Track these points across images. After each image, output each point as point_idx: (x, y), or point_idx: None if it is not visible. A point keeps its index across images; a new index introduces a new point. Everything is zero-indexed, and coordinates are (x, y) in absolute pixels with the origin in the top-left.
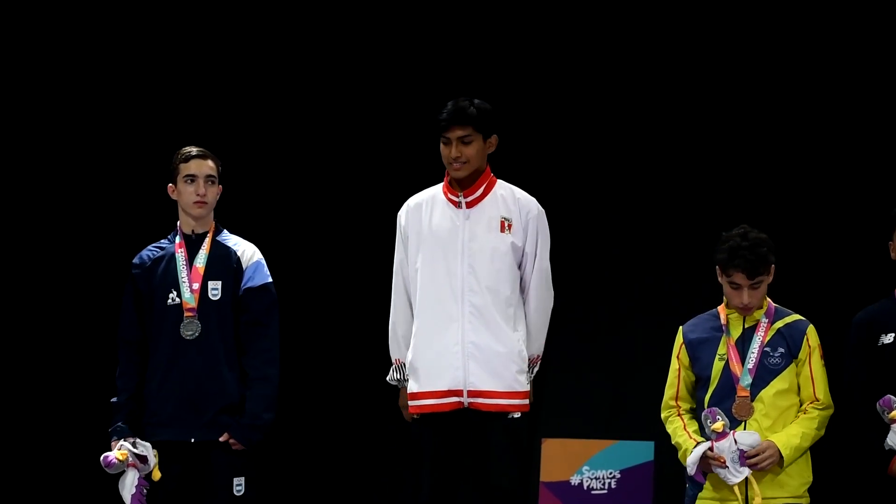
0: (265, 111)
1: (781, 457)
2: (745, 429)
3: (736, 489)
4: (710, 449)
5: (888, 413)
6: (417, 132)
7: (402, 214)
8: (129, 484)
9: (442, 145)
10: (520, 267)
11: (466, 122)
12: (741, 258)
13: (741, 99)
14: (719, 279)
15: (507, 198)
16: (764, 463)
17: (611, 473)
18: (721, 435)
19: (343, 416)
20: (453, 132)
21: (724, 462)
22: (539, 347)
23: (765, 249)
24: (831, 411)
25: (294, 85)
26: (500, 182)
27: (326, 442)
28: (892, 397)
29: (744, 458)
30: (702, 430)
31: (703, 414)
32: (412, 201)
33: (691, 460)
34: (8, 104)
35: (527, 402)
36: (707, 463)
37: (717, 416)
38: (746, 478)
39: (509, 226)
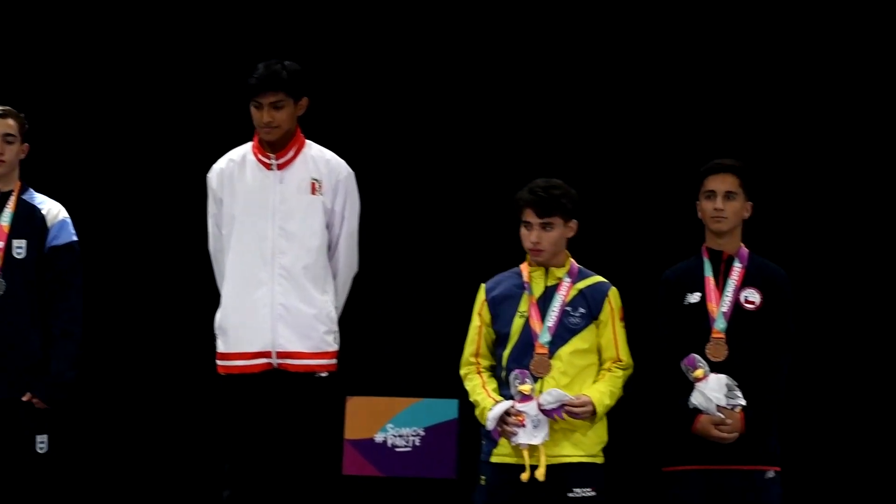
0: (70, 67)
1: (594, 413)
2: (542, 387)
3: (525, 453)
4: (513, 407)
5: (692, 372)
6: (225, 92)
7: (213, 177)
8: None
9: (253, 109)
10: (328, 228)
11: (278, 88)
12: (533, 194)
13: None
14: (520, 229)
15: (318, 160)
16: (582, 415)
17: (415, 431)
18: (526, 397)
19: (149, 375)
20: (265, 97)
21: (523, 422)
22: (340, 308)
23: (559, 192)
24: (631, 371)
25: (104, 39)
26: (309, 143)
27: (132, 400)
28: (697, 356)
29: (549, 415)
30: (501, 389)
31: (512, 373)
32: (221, 163)
33: (492, 415)
34: None
35: (334, 361)
36: (504, 420)
37: (526, 379)
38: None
39: (320, 187)
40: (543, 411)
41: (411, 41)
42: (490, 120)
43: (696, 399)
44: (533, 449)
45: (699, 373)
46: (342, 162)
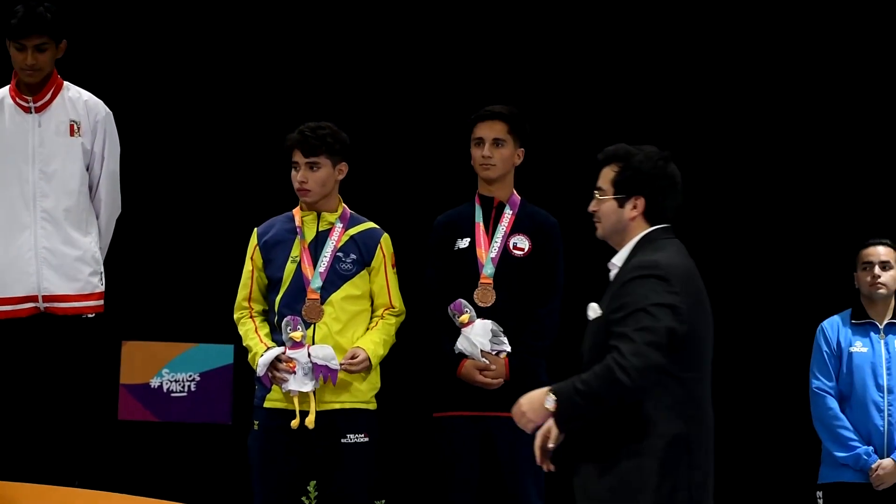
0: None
1: (370, 364)
2: (314, 332)
3: (295, 400)
4: (284, 354)
5: (458, 317)
6: None
7: None
8: None
9: (14, 51)
10: (89, 170)
11: (43, 31)
12: (300, 134)
13: None
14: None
15: (76, 101)
16: (358, 368)
17: (190, 376)
18: (297, 344)
19: None
20: (30, 40)
21: (294, 369)
22: (104, 249)
23: (326, 132)
24: (404, 317)
25: None
26: (67, 85)
27: None
28: (464, 302)
29: (317, 372)
30: (274, 334)
31: (284, 319)
32: None
33: (263, 361)
34: None
35: (101, 303)
36: (275, 367)
37: (298, 326)
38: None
39: (78, 128)
40: (314, 363)
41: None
42: (271, 54)
43: (461, 344)
44: (304, 396)
45: (465, 318)
46: (100, 102)
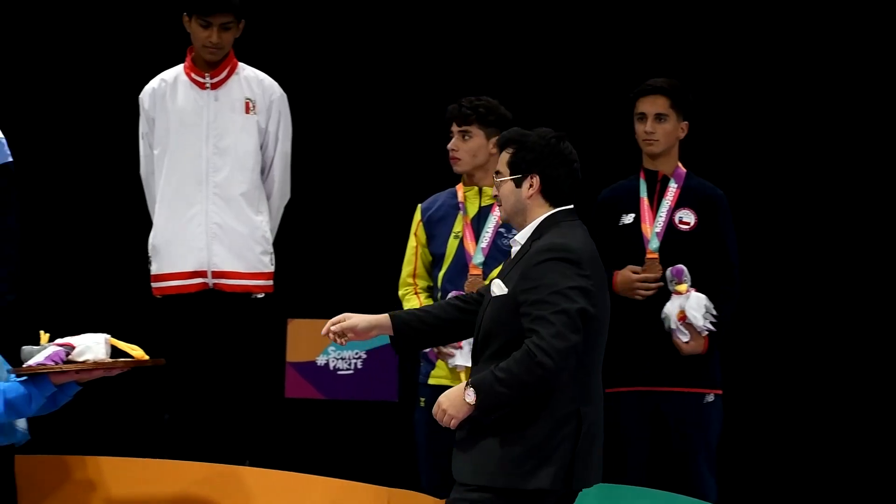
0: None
1: None
2: None
3: (461, 375)
4: None
5: (676, 284)
6: (156, 13)
7: (145, 97)
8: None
9: (197, 27)
10: (262, 150)
11: (229, 9)
12: (457, 103)
13: None
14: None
15: (252, 80)
16: None
17: (356, 354)
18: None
19: (83, 298)
20: (216, 17)
21: (460, 345)
22: (274, 231)
23: (481, 103)
24: None
25: None
26: (242, 65)
27: (66, 324)
28: (685, 269)
29: None
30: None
31: (449, 295)
32: (154, 83)
33: None
34: None
35: (270, 283)
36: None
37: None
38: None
39: (254, 106)
40: None
41: None
42: (423, 39)
43: (668, 309)
44: (469, 371)
45: (683, 287)
46: (275, 83)
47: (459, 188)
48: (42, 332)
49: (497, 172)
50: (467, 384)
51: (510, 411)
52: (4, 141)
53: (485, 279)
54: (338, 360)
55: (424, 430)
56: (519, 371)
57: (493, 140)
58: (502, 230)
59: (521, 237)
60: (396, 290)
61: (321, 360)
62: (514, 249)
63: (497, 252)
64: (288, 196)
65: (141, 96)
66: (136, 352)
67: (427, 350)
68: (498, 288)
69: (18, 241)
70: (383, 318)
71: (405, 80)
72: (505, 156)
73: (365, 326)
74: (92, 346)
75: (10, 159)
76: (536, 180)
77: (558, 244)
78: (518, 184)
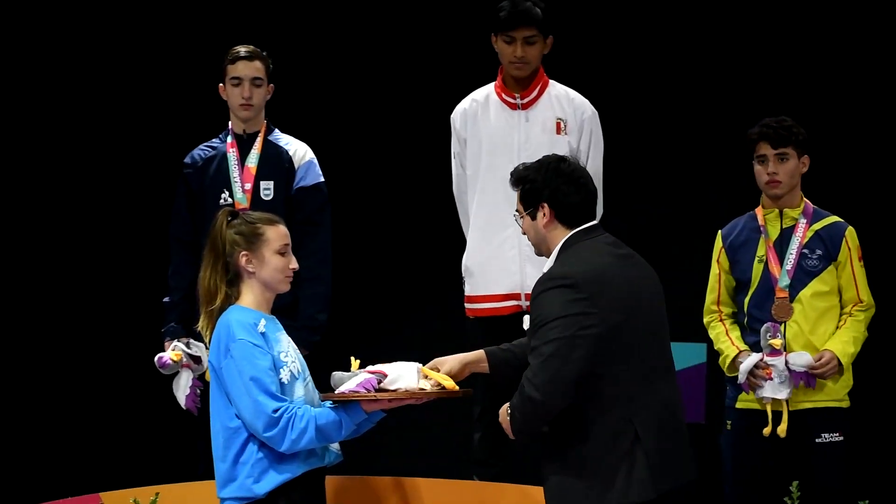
0: (319, 12)
1: (841, 365)
2: (785, 331)
3: (768, 407)
4: (762, 360)
5: (770, 338)
6: (467, 31)
7: (457, 117)
8: (183, 385)
9: (502, 44)
10: None
11: (532, 23)
12: (765, 126)
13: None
14: (754, 167)
15: (562, 98)
16: (828, 374)
17: None
18: (775, 352)
19: (395, 314)
20: (519, 31)
21: (771, 375)
22: None
23: (789, 123)
24: (874, 311)
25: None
26: (553, 82)
27: (376, 340)
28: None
29: (796, 379)
30: (744, 337)
31: (764, 326)
32: (465, 103)
33: (744, 368)
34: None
35: None
36: (752, 373)
37: (778, 334)
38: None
39: (565, 126)
40: (791, 370)
41: None
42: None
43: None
44: (777, 403)
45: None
46: (586, 101)
47: (759, 211)
48: (353, 358)
49: (516, 214)
50: (509, 402)
51: (565, 442)
52: (316, 161)
53: (791, 301)
54: None
55: (731, 454)
56: (518, 403)
57: (803, 159)
58: (805, 251)
59: (547, 266)
60: (702, 311)
61: None
62: None
63: (802, 273)
64: (601, 213)
65: (452, 116)
66: (448, 382)
67: (742, 381)
68: (525, 324)
69: (330, 261)
70: (478, 354)
71: (700, 97)
72: (517, 196)
73: (458, 368)
74: (404, 375)
75: (322, 179)
76: (546, 208)
77: (555, 272)
78: (533, 216)
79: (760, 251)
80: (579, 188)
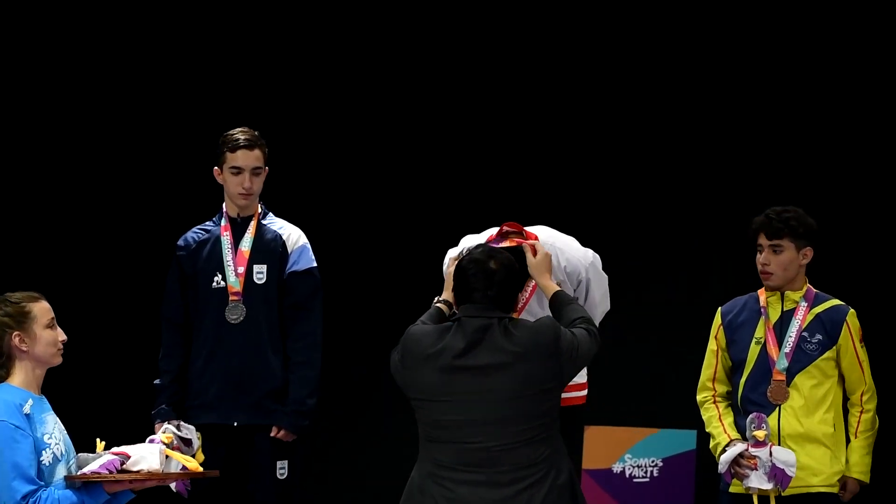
0: (309, 94)
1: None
2: (779, 414)
3: (754, 498)
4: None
5: (755, 429)
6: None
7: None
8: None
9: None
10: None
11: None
12: (764, 216)
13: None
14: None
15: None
16: (848, 499)
17: (653, 461)
18: (760, 443)
19: (385, 402)
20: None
21: (756, 466)
22: None
23: (789, 215)
24: (876, 396)
25: (342, 66)
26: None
27: (369, 429)
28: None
29: (773, 472)
30: (737, 424)
31: (749, 417)
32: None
33: (725, 459)
34: (48, 81)
35: (584, 393)
36: (737, 462)
37: (763, 425)
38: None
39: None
40: (774, 465)
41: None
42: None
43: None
44: (764, 493)
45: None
46: (580, 262)
47: (761, 293)
48: (98, 440)
49: None
50: None
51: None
52: (308, 246)
53: (788, 385)
54: (634, 467)
55: None
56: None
57: (804, 251)
58: (805, 334)
59: None
60: (693, 398)
61: (617, 468)
62: None
63: (801, 357)
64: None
65: None
66: (191, 463)
67: (723, 470)
68: None
69: (321, 346)
70: None
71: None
72: None
73: None
74: (146, 456)
75: (315, 264)
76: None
77: None
78: None
79: (759, 333)
80: (461, 283)
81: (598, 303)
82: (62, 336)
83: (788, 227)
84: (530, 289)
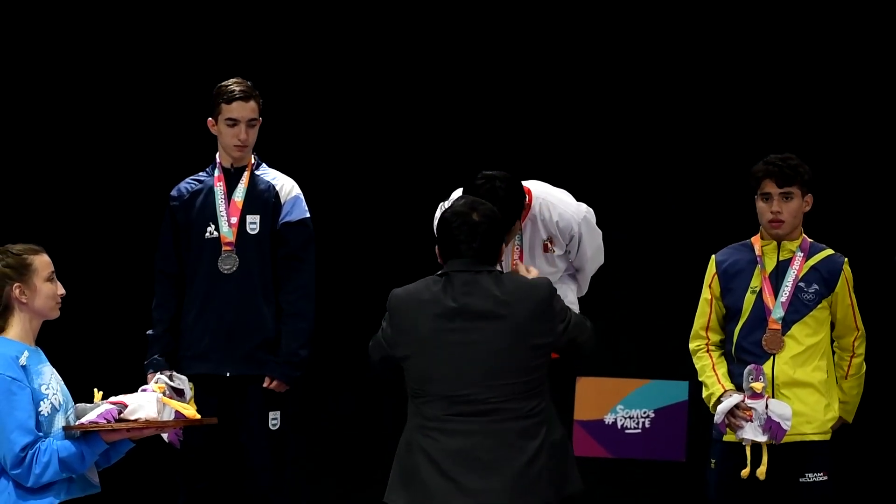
0: (302, 43)
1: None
2: (773, 363)
3: (747, 448)
4: (743, 402)
5: (752, 380)
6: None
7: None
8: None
9: (759, 202)
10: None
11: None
12: (771, 164)
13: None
14: (756, 203)
15: (549, 223)
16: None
17: (645, 413)
18: (756, 395)
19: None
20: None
21: (751, 417)
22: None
23: (795, 163)
24: (865, 339)
25: (333, 14)
26: (540, 201)
27: (360, 380)
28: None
29: (768, 425)
30: (730, 373)
31: (746, 368)
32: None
33: (721, 409)
34: (39, 35)
35: None
36: (733, 413)
37: (761, 377)
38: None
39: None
40: (770, 418)
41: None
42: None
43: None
44: (757, 445)
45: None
46: (572, 217)
47: (755, 241)
48: (96, 389)
49: None
50: None
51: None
52: (302, 196)
53: (783, 334)
54: (626, 418)
55: (716, 490)
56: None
57: (807, 198)
58: (802, 284)
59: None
60: (685, 348)
61: (609, 419)
62: None
63: (797, 306)
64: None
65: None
66: (188, 411)
67: (719, 421)
68: None
69: (314, 297)
70: None
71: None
72: None
73: None
74: (144, 405)
75: (308, 215)
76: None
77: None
78: None
79: (755, 282)
80: (444, 236)
81: (591, 258)
82: (61, 290)
83: (797, 173)
84: (517, 250)
